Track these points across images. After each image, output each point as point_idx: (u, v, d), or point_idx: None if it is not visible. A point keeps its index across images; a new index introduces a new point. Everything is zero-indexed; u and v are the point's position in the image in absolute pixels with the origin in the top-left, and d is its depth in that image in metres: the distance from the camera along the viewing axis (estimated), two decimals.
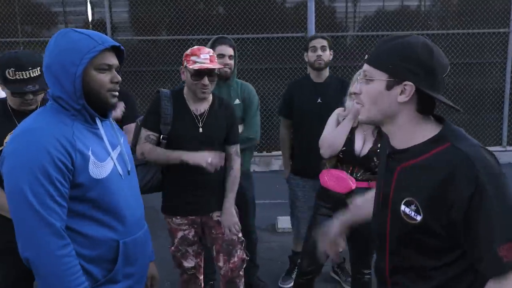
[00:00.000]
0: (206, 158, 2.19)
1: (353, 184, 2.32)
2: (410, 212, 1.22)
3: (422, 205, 1.19)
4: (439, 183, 1.15)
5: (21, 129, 1.38)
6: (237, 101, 2.92)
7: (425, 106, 1.22)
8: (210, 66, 2.22)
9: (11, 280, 2.07)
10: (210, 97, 2.41)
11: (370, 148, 2.33)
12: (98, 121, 1.48)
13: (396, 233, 1.29)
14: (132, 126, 2.64)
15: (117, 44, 1.46)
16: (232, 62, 2.88)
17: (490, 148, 7.19)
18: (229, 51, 2.85)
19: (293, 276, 3.26)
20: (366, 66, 1.24)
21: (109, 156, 1.47)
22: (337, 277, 3.38)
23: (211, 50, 2.31)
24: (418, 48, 1.16)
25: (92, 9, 6.38)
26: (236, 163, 2.47)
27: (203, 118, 2.35)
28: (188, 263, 2.46)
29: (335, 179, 2.36)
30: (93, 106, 1.44)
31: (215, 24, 6.32)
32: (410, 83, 1.17)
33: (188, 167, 2.26)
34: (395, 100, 1.20)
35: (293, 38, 6.40)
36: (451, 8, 6.50)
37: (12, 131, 1.44)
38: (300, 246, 3.31)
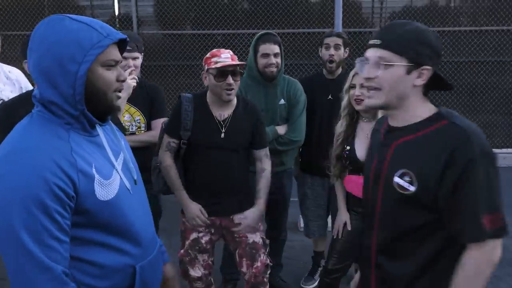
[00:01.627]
0: (195, 215, 2.27)
1: None
2: (403, 183, 1.28)
3: (417, 176, 1.25)
4: (436, 155, 1.22)
5: (8, 149, 1.10)
6: (282, 101, 2.75)
7: (428, 88, 1.30)
8: (233, 62, 2.15)
9: None
10: (235, 100, 2.31)
11: None
12: (98, 128, 1.24)
13: (387, 207, 1.34)
14: (160, 122, 2.52)
15: (124, 36, 1.22)
16: (278, 60, 2.64)
17: None
18: (274, 48, 2.62)
19: (315, 277, 3.21)
20: (382, 52, 1.25)
21: (114, 169, 1.23)
22: None
23: (230, 50, 2.22)
24: (429, 33, 1.25)
25: (118, 2, 6.42)
26: (268, 165, 2.37)
27: (226, 123, 2.25)
28: (195, 272, 2.31)
29: (355, 185, 2.34)
30: (94, 109, 1.18)
31: (240, 19, 6.27)
32: (429, 67, 1.24)
33: (210, 168, 2.23)
34: (412, 84, 1.26)
35: (319, 34, 6.29)
36: (484, 4, 6.27)
37: None
38: (319, 246, 3.26)
